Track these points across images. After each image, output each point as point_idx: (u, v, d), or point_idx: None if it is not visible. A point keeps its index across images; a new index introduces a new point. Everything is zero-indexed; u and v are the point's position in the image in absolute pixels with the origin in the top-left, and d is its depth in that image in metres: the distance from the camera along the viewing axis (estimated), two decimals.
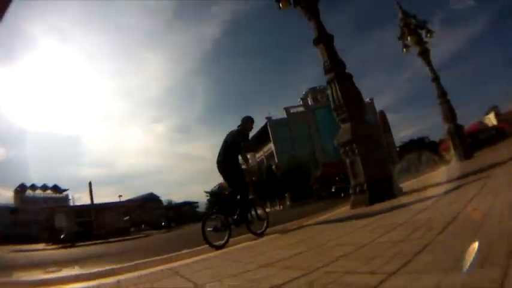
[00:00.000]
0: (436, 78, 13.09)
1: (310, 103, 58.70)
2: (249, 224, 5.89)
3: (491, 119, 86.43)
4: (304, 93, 59.76)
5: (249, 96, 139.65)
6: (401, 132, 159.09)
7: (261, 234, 5.82)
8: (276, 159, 54.22)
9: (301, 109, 58.19)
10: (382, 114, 54.66)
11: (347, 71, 6.95)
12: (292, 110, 57.94)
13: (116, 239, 31.96)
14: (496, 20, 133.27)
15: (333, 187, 43.60)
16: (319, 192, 44.53)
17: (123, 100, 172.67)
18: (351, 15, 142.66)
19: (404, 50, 13.96)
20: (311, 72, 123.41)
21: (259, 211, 6.28)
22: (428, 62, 13.48)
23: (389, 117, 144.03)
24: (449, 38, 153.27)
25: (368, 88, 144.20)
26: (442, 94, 12.95)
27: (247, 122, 6.21)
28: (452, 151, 12.81)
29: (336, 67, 6.83)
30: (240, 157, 6.03)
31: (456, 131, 12.67)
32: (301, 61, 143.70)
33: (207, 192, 66.20)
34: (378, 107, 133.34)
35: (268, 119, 56.14)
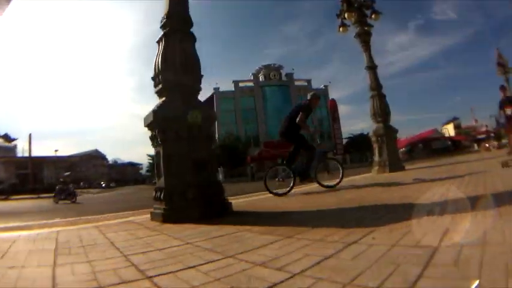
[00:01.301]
0: (372, 68, 11.05)
1: (261, 79, 56.76)
2: (316, 177, 6.34)
3: (448, 130, 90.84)
4: (257, 68, 57.65)
5: (205, 63, 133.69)
6: (359, 124, 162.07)
7: (333, 187, 6.19)
8: (217, 130, 52.14)
9: (250, 84, 56.34)
10: (333, 102, 53.73)
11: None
12: (240, 84, 56.06)
13: (49, 195, 30.07)
14: (473, 37, 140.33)
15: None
16: (254, 172, 43.09)
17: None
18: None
19: (340, 29, 11.62)
20: (272, 52, 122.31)
21: (331, 163, 6.86)
22: (367, 48, 11.28)
23: (346, 108, 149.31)
24: (423, 44, 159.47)
25: (330, 74, 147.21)
26: (377, 86, 11.01)
27: (313, 99, 6.75)
28: (376, 158, 10.62)
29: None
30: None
31: (385, 134, 10.60)
32: (265, 39, 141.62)
33: (150, 155, 64.07)
34: (343, 94, 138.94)
35: (216, 89, 54.17)
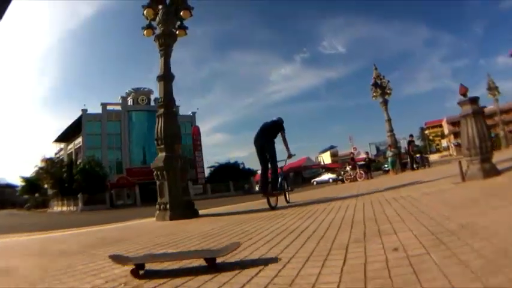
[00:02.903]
0: (165, 78, 15.07)
1: (129, 103, 56.25)
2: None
3: (323, 158, 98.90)
4: (126, 92, 56.73)
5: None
6: (234, 153, 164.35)
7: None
8: (82, 154, 50.44)
9: (118, 108, 55.32)
10: (196, 129, 56.50)
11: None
12: (108, 107, 54.65)
13: None
14: (359, 70, 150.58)
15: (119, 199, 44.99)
16: (114, 200, 43.79)
17: None
18: (219, 31, 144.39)
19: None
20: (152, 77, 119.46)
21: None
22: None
23: (224, 136, 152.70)
24: (307, 76, 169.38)
25: (211, 102, 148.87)
26: (168, 101, 14.75)
27: (282, 120, 7.82)
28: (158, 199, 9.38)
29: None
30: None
31: (167, 166, 7.75)
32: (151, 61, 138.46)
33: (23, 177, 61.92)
34: (213, 123, 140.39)
35: (84, 111, 52.01)
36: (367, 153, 29.61)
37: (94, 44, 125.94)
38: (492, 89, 31.43)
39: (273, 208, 6.64)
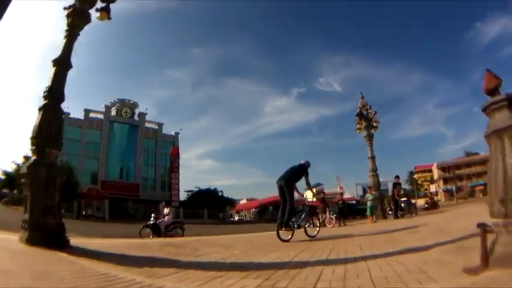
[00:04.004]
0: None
1: (113, 113, 54.39)
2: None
3: (307, 195, 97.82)
4: (111, 101, 54.94)
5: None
6: (221, 181, 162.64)
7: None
8: (61, 159, 47.77)
9: (101, 117, 53.30)
10: (175, 150, 54.65)
11: None
12: (91, 115, 52.66)
13: None
14: (352, 112, 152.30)
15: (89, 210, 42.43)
16: (82, 209, 40.83)
17: None
18: (220, 56, 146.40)
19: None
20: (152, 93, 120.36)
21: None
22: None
23: (211, 163, 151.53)
24: (301, 111, 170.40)
25: (204, 127, 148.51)
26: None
27: (308, 165, 8.41)
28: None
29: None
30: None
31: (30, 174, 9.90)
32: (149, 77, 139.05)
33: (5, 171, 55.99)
34: (203, 149, 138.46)
35: (66, 114, 49.17)
36: (341, 194, 23.88)
37: (98, 46, 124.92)
38: None
39: (283, 241, 7.02)
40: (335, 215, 17.41)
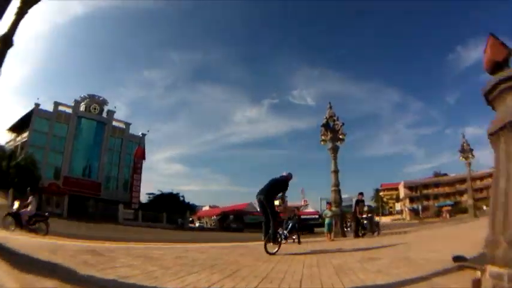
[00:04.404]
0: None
1: (82, 109, 52.79)
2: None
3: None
4: (81, 96, 53.33)
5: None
6: (188, 186, 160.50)
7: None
8: (25, 150, 45.58)
9: (69, 111, 51.52)
10: (140, 151, 53.25)
11: None
12: (60, 108, 50.85)
13: None
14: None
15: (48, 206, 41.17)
16: (42, 205, 38.72)
17: None
18: (196, 61, 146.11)
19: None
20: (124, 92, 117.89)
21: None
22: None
23: (179, 167, 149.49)
24: (272, 122, 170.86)
25: (174, 131, 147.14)
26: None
27: (291, 178, 8.46)
28: None
29: None
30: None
31: None
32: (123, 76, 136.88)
33: None
34: (172, 152, 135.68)
35: (36, 106, 48.23)
36: (297, 208, 22.54)
37: (81, 40, 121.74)
38: (466, 151, 29.14)
39: (270, 254, 7.02)
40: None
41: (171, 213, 46.43)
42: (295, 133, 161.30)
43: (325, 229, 16.41)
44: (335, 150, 17.98)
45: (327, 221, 16.28)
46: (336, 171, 17.66)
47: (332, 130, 18.35)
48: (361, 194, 17.73)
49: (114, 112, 56.68)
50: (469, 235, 10.12)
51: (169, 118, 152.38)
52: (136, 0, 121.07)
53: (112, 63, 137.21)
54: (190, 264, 5.23)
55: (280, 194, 8.57)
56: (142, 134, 58.91)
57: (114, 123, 56.45)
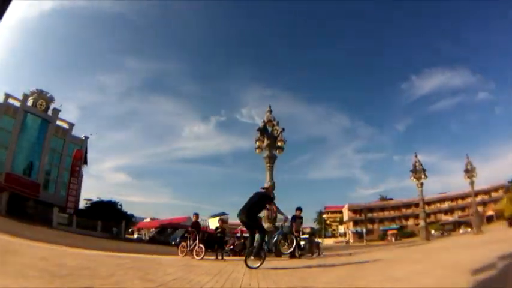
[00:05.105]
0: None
1: (29, 103, 50.51)
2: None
3: (210, 222, 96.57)
4: (30, 90, 51.13)
5: None
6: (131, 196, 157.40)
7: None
8: None
9: (17, 104, 48.89)
10: (79, 153, 52.22)
11: None
12: (10, 100, 48.17)
13: None
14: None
15: None
16: None
17: None
18: (151, 71, 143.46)
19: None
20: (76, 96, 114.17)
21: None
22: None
23: (125, 177, 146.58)
24: (218, 139, 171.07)
25: (124, 140, 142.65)
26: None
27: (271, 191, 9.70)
28: None
29: None
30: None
31: None
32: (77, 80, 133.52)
33: None
34: (119, 162, 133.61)
35: None
36: (221, 220, 19.13)
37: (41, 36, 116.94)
38: (418, 171, 29.19)
39: (249, 267, 7.08)
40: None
41: (107, 221, 45.00)
42: (239, 152, 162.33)
43: None
44: (272, 159, 16.30)
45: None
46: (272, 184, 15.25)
47: (270, 136, 16.65)
48: (299, 209, 14.81)
49: (59, 111, 54.06)
50: (433, 258, 9.18)
51: (119, 127, 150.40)
52: (99, 1, 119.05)
53: (69, 63, 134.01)
54: (38, 268, 4.96)
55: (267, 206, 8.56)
56: (85, 136, 57.05)
57: (58, 122, 53.94)
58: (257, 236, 7.91)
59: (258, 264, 7.30)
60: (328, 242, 70.80)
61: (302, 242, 15.01)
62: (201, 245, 13.36)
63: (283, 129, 16.89)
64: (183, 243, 14.81)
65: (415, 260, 8.84)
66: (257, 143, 16.82)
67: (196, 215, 15.33)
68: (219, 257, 13.83)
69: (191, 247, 13.72)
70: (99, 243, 23.49)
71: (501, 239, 14.59)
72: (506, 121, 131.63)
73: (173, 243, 25.44)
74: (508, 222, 25.79)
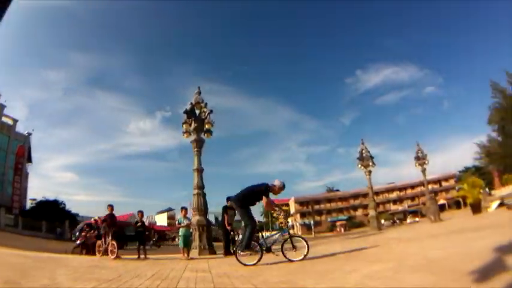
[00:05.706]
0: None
1: None
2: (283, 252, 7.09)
3: (157, 219, 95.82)
4: None
5: None
6: (79, 196, 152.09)
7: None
8: None
9: None
10: (22, 150, 50.46)
11: None
12: None
13: None
14: (215, 142, 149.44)
15: None
16: None
17: None
18: (96, 65, 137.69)
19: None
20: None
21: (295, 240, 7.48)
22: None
23: (71, 176, 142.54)
24: (164, 135, 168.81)
25: (70, 138, 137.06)
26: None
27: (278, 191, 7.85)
28: None
29: None
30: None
31: None
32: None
33: None
34: (65, 161, 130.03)
35: None
36: (141, 212, 13.79)
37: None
38: (366, 159, 27.76)
39: (245, 265, 6.71)
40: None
41: (52, 221, 43.62)
42: (185, 147, 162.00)
43: (180, 243, 12.65)
44: (199, 143, 15.19)
45: (181, 232, 12.52)
46: (200, 170, 14.77)
47: (197, 119, 15.55)
48: (230, 199, 10.64)
49: (4, 107, 51.07)
50: (396, 253, 7.11)
51: (65, 123, 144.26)
52: None
53: (13, 59, 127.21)
54: None
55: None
56: (27, 133, 54.81)
57: (3, 119, 50.81)
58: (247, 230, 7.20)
59: (255, 261, 6.77)
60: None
61: (238, 236, 13.52)
62: (113, 242, 11.95)
63: (212, 111, 15.79)
64: (98, 242, 13.21)
65: (373, 256, 6.73)
66: (184, 126, 15.48)
67: (141, 212, 13.91)
68: (142, 255, 12.30)
69: (106, 245, 12.30)
70: (31, 242, 22.99)
71: (471, 227, 11.13)
72: (453, 114, 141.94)
73: (73, 239, 21.18)
74: (472, 208, 23.43)
